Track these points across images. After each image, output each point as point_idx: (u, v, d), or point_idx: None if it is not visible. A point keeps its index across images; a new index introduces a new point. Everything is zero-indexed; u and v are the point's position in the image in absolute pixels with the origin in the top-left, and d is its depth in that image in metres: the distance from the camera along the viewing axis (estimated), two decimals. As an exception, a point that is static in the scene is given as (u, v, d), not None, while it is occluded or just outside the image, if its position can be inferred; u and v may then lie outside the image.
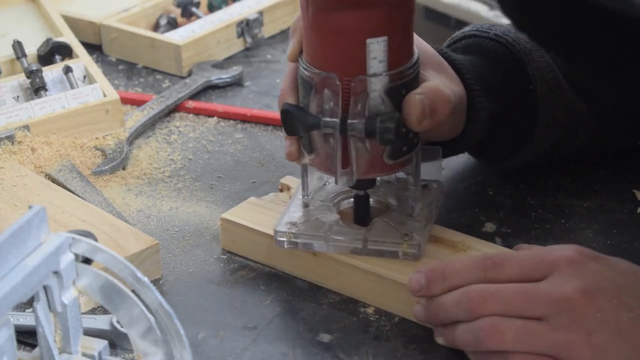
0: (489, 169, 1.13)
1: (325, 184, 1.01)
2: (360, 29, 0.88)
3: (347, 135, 0.91)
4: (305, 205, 0.99)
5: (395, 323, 0.92)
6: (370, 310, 0.94)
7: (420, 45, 0.96)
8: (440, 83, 0.94)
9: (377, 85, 0.90)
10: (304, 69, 0.92)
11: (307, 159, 0.95)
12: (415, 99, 0.91)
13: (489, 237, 1.01)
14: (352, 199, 0.99)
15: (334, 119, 0.91)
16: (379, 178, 0.99)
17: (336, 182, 0.95)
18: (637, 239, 1.02)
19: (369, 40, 0.89)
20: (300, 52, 0.93)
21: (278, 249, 0.97)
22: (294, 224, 0.97)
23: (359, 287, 0.95)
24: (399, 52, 0.90)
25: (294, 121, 0.92)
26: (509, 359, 0.83)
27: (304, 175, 0.98)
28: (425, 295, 0.88)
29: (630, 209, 1.07)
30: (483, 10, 2.51)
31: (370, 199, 0.98)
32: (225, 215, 1.01)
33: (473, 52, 1.06)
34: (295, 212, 0.98)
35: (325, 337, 0.91)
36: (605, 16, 0.73)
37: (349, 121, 0.90)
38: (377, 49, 0.89)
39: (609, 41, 0.78)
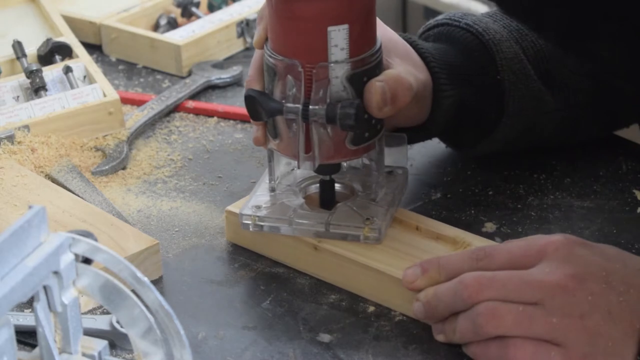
0: (490, 169, 1.13)
1: (293, 169, 1.03)
2: (321, 17, 0.90)
3: (309, 121, 0.93)
4: (272, 190, 1.01)
5: (395, 323, 0.92)
6: (370, 310, 0.94)
7: (386, 33, 0.98)
8: (403, 70, 0.96)
9: (338, 72, 0.92)
10: (269, 55, 0.94)
11: (272, 144, 0.97)
12: (375, 85, 0.93)
13: (489, 237, 1.01)
14: (318, 184, 1.01)
15: (297, 105, 0.92)
16: (345, 164, 1.00)
17: (299, 167, 0.97)
18: (637, 239, 1.02)
19: (330, 28, 0.90)
20: (266, 39, 0.95)
21: (281, 242, 0.98)
22: (259, 207, 0.99)
23: (360, 282, 0.95)
24: (361, 40, 0.92)
25: (257, 106, 0.94)
26: (508, 344, 0.83)
27: (270, 160, 0.99)
28: (421, 284, 0.89)
29: (631, 209, 1.07)
30: (483, 10, 2.51)
31: (336, 184, 1.00)
32: (230, 208, 1.02)
33: (444, 40, 1.09)
34: (262, 196, 1.00)
35: (325, 337, 0.91)
36: None
37: (310, 107, 0.92)
38: (338, 36, 0.91)
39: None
